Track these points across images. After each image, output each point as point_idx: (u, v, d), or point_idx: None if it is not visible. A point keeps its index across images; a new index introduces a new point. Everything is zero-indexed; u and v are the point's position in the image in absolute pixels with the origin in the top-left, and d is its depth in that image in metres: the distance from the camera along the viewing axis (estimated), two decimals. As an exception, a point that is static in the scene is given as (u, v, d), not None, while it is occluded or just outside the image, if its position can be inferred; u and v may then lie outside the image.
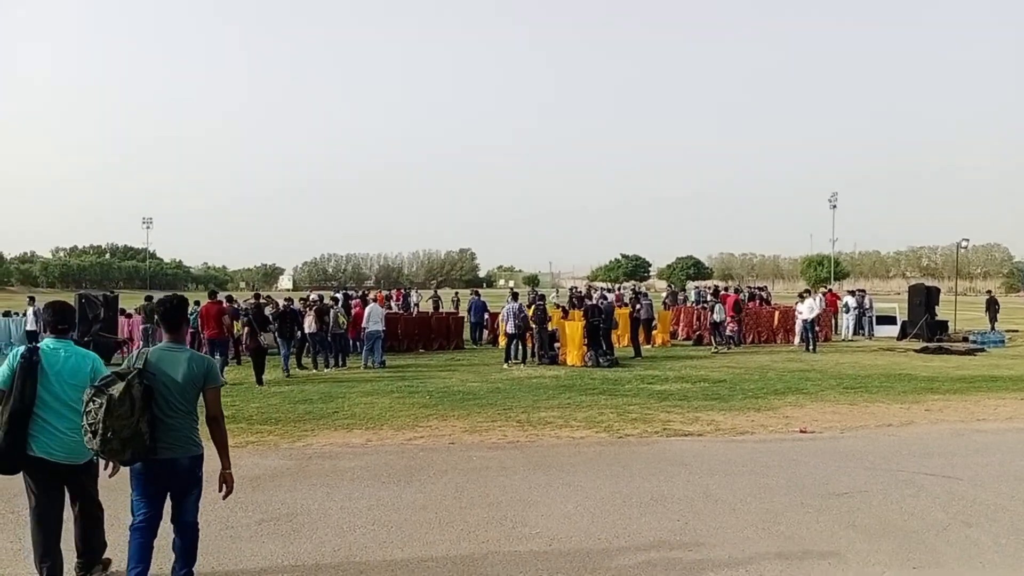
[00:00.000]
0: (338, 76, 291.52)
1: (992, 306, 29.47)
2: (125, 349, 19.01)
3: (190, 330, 17.87)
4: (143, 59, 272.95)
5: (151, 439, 4.51)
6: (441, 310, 31.44)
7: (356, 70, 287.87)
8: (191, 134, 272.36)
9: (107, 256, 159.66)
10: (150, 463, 4.59)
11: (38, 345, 4.96)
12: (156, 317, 19.93)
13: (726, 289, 40.68)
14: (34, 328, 19.96)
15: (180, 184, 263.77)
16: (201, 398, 4.79)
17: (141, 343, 20.15)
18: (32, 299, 23.96)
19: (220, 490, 4.77)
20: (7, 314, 24.33)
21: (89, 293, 20.18)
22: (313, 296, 22.30)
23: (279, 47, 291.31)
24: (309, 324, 17.77)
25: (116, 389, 4.38)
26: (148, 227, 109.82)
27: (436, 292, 38.12)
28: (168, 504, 4.79)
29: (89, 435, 4.40)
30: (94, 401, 4.38)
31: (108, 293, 21.10)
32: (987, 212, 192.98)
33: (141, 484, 4.67)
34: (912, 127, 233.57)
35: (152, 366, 4.62)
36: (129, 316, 22.12)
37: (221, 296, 18.58)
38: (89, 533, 5.08)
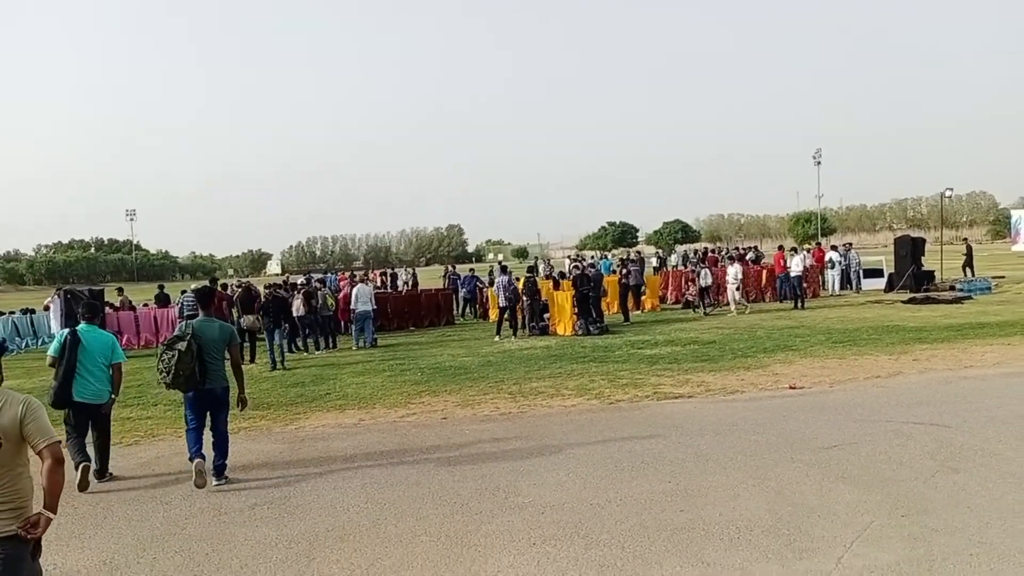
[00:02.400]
0: (312, 59, 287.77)
1: (968, 253, 29.98)
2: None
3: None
4: (115, 51, 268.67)
5: (200, 376, 6.91)
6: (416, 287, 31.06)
7: (330, 52, 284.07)
8: (172, 124, 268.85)
9: (92, 250, 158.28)
10: (198, 392, 7.02)
11: (76, 328, 7.33)
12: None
13: (714, 251, 40.75)
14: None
15: (163, 175, 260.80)
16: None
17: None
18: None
19: (239, 407, 7.37)
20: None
21: (74, 288, 20.05)
22: (301, 279, 22.25)
23: (245, 37, 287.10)
24: (297, 308, 17.69)
25: (182, 345, 6.85)
26: (132, 219, 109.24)
27: (413, 270, 37.91)
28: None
29: (164, 373, 6.85)
30: (167, 353, 6.87)
31: (93, 287, 20.91)
32: (973, 160, 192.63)
33: (192, 404, 7.12)
34: (892, 79, 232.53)
35: (197, 331, 7.02)
36: (116, 309, 21.98)
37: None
38: (102, 451, 7.44)
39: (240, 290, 18.27)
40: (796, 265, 22.26)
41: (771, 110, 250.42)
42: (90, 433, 7.35)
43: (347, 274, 32.84)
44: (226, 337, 7.25)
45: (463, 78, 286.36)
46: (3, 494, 3.28)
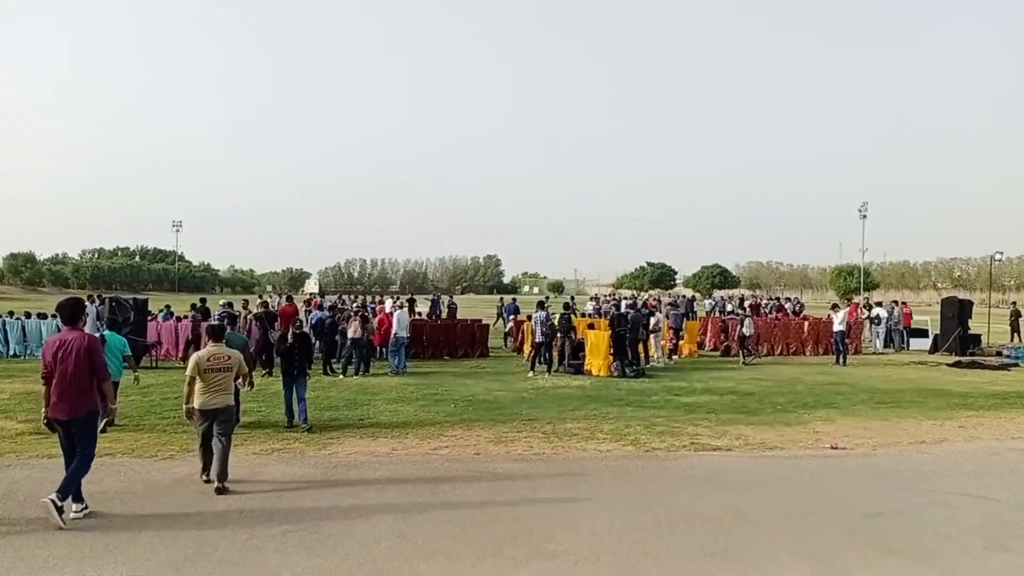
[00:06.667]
0: (361, 86, 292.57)
1: (1015, 317, 29.27)
2: (153, 352, 19.22)
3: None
4: (165, 66, 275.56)
5: None
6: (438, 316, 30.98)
7: (375, 78, 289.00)
8: (217, 140, 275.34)
9: (136, 258, 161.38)
10: None
11: (104, 333, 11.29)
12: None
13: (753, 298, 40.34)
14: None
15: (208, 189, 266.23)
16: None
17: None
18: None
19: (245, 383, 9.07)
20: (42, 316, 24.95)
21: (119, 297, 20.40)
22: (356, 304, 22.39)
23: (299, 58, 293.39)
24: (355, 330, 17.76)
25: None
26: (178, 230, 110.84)
27: (450, 298, 38.18)
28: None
29: None
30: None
31: (138, 296, 21.29)
32: (1020, 223, 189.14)
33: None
34: (943, 136, 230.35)
35: (228, 340, 9.15)
36: (171, 319, 22.43)
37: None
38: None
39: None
40: (839, 320, 21.92)
41: (818, 160, 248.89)
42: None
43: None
44: (243, 344, 10.74)
45: (514, 114, 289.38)
46: (226, 387, 7.89)
